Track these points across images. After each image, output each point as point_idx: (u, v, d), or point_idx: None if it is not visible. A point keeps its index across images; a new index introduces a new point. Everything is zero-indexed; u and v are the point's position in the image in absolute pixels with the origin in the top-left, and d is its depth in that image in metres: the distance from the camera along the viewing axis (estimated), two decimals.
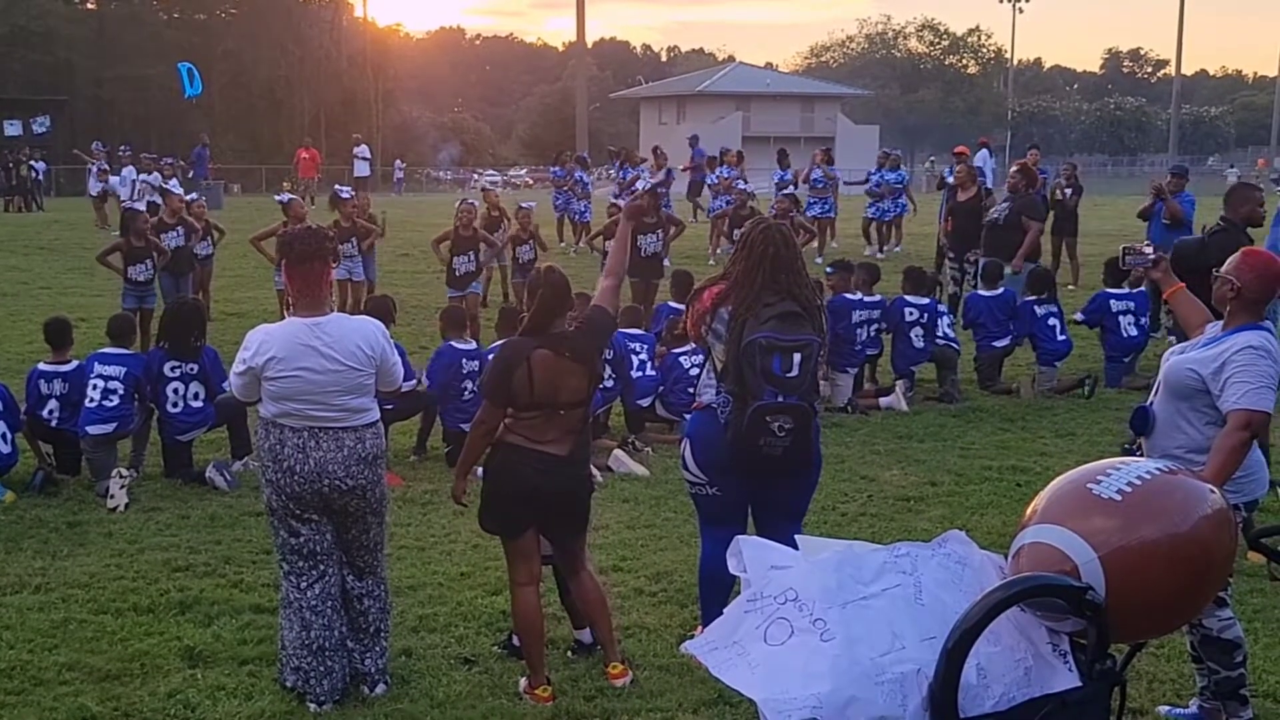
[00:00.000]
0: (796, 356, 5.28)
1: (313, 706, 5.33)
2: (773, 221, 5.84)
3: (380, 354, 5.31)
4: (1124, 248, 5.97)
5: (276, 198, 15.86)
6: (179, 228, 14.60)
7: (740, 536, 3.65)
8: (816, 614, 3.21)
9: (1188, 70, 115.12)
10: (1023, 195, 14.12)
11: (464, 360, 9.58)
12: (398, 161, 53.49)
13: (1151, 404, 5.14)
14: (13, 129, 44.22)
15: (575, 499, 5.49)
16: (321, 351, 5.15)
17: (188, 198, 16.53)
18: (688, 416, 5.90)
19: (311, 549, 5.33)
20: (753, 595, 3.39)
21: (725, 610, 3.46)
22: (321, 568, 5.35)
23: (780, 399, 5.24)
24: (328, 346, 5.16)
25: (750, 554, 3.51)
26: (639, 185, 18.05)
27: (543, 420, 5.30)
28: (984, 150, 28.68)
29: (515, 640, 5.89)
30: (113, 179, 27.88)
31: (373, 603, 5.52)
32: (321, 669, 5.34)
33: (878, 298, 11.87)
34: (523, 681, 5.50)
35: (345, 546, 5.45)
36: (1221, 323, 5.08)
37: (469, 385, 9.50)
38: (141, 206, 19.58)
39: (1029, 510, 3.50)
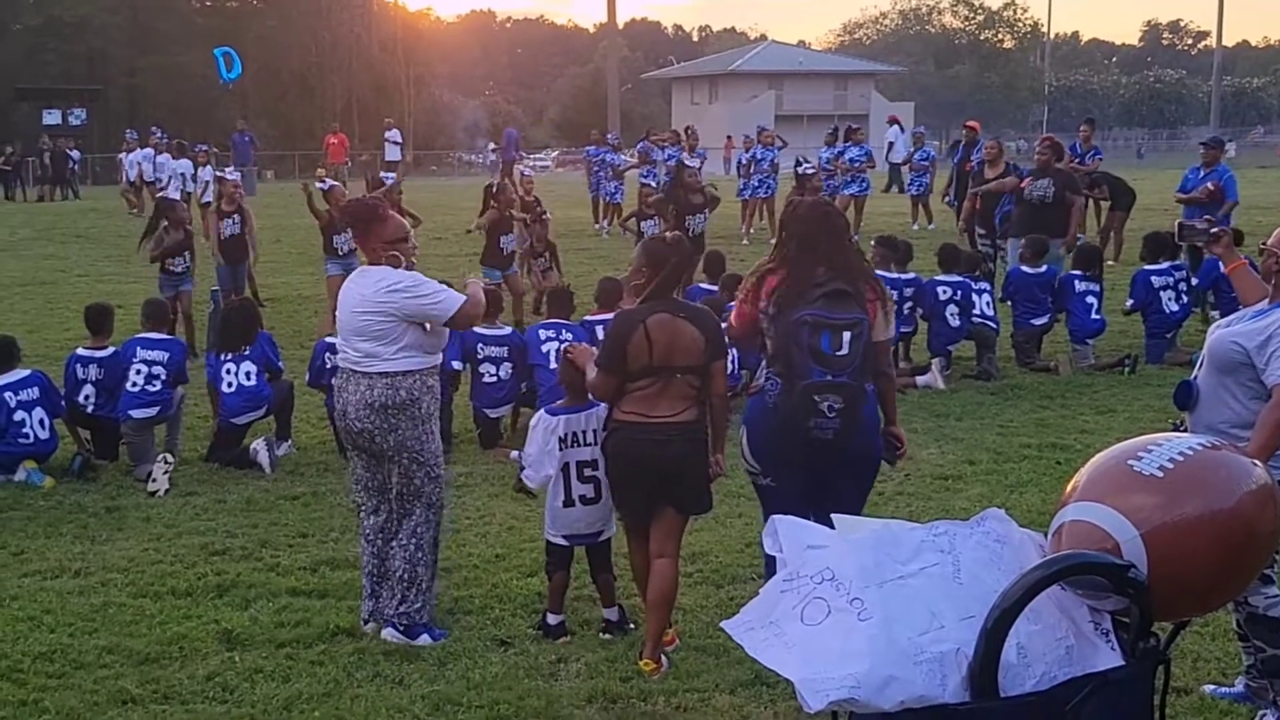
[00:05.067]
0: (846, 335, 5.09)
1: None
2: (809, 199, 5.73)
3: (398, 308, 5.61)
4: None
5: (318, 185, 15.79)
6: (235, 215, 14.31)
7: (775, 516, 3.62)
8: (854, 593, 3.18)
9: (1229, 41, 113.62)
10: (1060, 170, 13.97)
11: (480, 345, 9.41)
12: (489, 145, 52.64)
13: (1196, 378, 5.07)
14: (50, 118, 44.70)
15: (688, 464, 5.45)
16: (349, 293, 5.77)
17: (230, 175, 16.30)
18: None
19: (367, 484, 5.91)
20: (789, 575, 3.36)
21: (761, 590, 3.43)
22: (375, 502, 5.91)
23: (829, 377, 5.06)
24: (348, 292, 5.77)
25: (786, 533, 3.47)
26: (691, 162, 17.85)
27: (658, 389, 5.35)
28: (895, 126, 29.02)
29: (550, 620, 5.89)
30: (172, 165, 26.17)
31: (400, 549, 5.82)
32: (367, 589, 5.96)
33: (910, 275, 11.77)
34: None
35: (390, 487, 5.83)
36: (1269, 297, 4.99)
37: (490, 369, 9.42)
38: (175, 195, 19.59)
39: (1069, 487, 3.45)
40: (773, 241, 19.32)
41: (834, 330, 5.09)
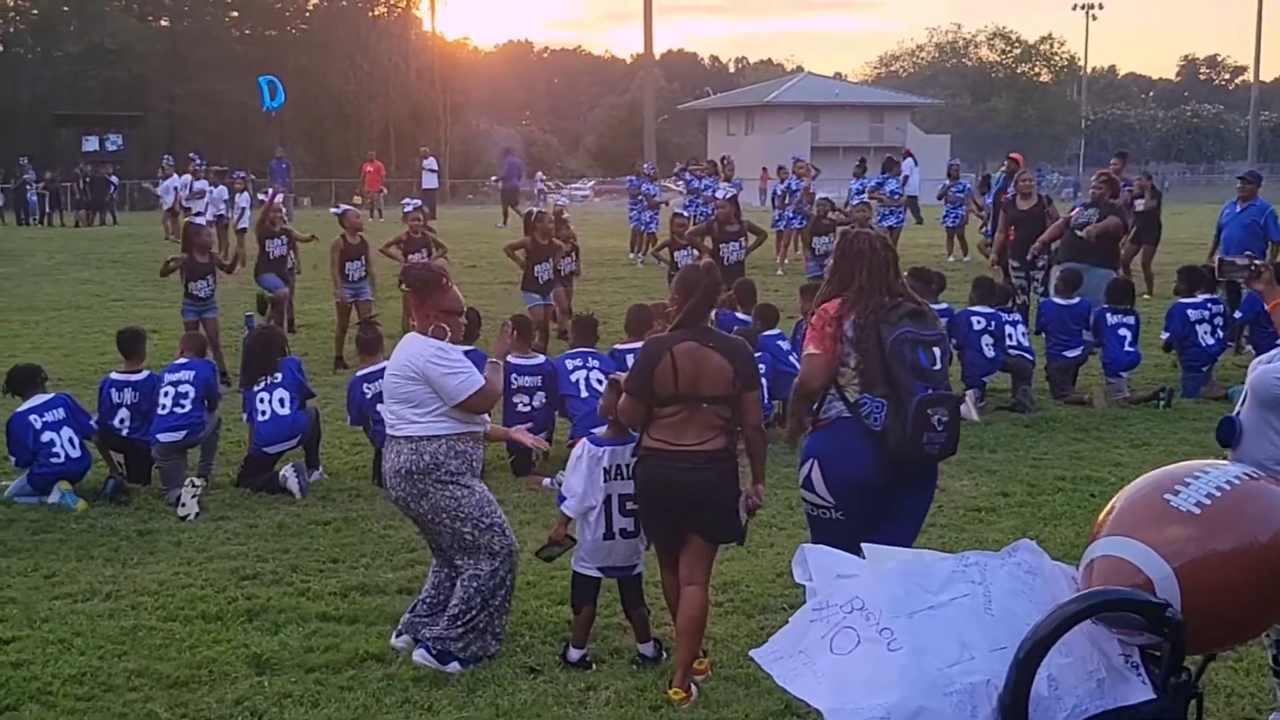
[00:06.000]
0: (936, 350, 5.22)
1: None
2: (866, 230, 5.73)
3: (420, 372, 5.68)
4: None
5: (332, 210, 15.97)
6: (281, 236, 14.74)
7: (805, 545, 3.60)
8: (883, 623, 3.16)
9: (1266, 76, 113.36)
10: (1108, 204, 13.91)
11: (514, 375, 9.25)
12: (539, 175, 52.92)
13: (1238, 414, 5.02)
14: (89, 144, 45.27)
15: (714, 492, 5.40)
16: (392, 359, 5.89)
17: (276, 198, 16.60)
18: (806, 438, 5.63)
19: (429, 544, 6.10)
20: (819, 604, 3.34)
21: (791, 619, 3.41)
22: (441, 555, 6.03)
23: (930, 391, 5.12)
24: (392, 358, 5.89)
25: (816, 562, 3.46)
26: (719, 194, 17.94)
27: (684, 417, 5.33)
28: (909, 159, 29.07)
29: (572, 655, 5.88)
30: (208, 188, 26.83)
31: (460, 587, 5.84)
32: (411, 606, 6.14)
33: (943, 305, 11.72)
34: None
35: (445, 546, 5.94)
36: None
37: (523, 399, 9.37)
38: (202, 220, 19.75)
39: (1101, 518, 3.42)
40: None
41: (927, 346, 5.20)
